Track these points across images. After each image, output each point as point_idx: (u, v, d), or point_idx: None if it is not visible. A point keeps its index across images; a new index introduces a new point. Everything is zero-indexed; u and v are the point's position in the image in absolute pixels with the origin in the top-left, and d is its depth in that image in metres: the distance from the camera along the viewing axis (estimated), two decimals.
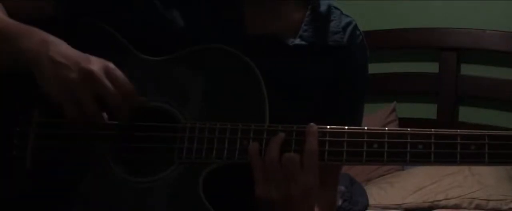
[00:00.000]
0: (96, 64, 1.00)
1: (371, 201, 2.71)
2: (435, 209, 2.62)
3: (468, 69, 3.11)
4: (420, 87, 3.20)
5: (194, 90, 1.08)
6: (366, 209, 2.67)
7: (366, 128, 1.02)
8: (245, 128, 1.04)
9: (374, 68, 3.21)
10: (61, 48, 1.02)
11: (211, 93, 1.08)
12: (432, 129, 1.00)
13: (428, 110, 3.16)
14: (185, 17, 1.13)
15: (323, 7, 1.21)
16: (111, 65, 1.02)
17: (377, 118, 3.06)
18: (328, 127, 1.03)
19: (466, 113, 3.11)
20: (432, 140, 0.99)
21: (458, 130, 0.98)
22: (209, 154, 1.03)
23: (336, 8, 1.23)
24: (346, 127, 1.02)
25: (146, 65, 1.11)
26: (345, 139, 1.02)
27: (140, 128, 1.07)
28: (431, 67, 3.16)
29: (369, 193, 2.76)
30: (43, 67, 1.01)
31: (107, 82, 1.00)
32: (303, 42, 1.16)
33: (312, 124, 1.02)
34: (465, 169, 2.72)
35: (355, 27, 1.23)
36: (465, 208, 2.58)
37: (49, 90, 1.01)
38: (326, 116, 1.12)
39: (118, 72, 1.02)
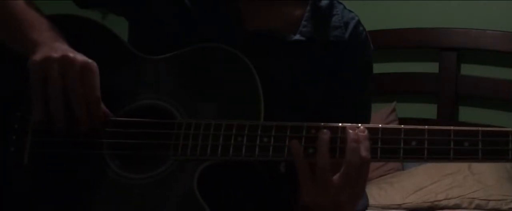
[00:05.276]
0: (79, 57, 1.01)
1: (371, 201, 2.70)
2: (435, 209, 2.61)
3: (468, 69, 3.10)
4: (420, 87, 3.18)
5: (190, 87, 1.09)
6: (366, 209, 2.65)
7: (360, 125, 1.01)
8: (239, 125, 1.04)
9: (374, 68, 3.21)
10: (63, 44, 1.04)
11: (207, 90, 1.08)
12: (426, 126, 0.99)
13: (428, 110, 3.15)
14: (182, 14, 1.13)
15: (324, 2, 1.19)
16: (94, 67, 1.02)
17: (377, 118, 3.04)
18: (327, 124, 1.02)
19: (466, 113, 3.10)
20: (426, 137, 0.98)
21: (452, 127, 0.98)
22: (204, 151, 1.03)
23: (339, 2, 1.21)
24: (340, 124, 1.02)
25: (142, 63, 1.11)
26: (339, 135, 1.01)
27: (136, 124, 1.07)
28: (431, 67, 3.15)
29: (369, 193, 2.74)
30: (39, 49, 1.02)
31: (78, 75, 1.00)
32: (302, 38, 1.14)
33: (363, 128, 1.00)
34: (465, 169, 2.72)
35: (358, 22, 1.20)
36: (465, 208, 2.57)
37: (28, 65, 1.02)
38: (327, 112, 1.11)
39: (93, 77, 1.02)
